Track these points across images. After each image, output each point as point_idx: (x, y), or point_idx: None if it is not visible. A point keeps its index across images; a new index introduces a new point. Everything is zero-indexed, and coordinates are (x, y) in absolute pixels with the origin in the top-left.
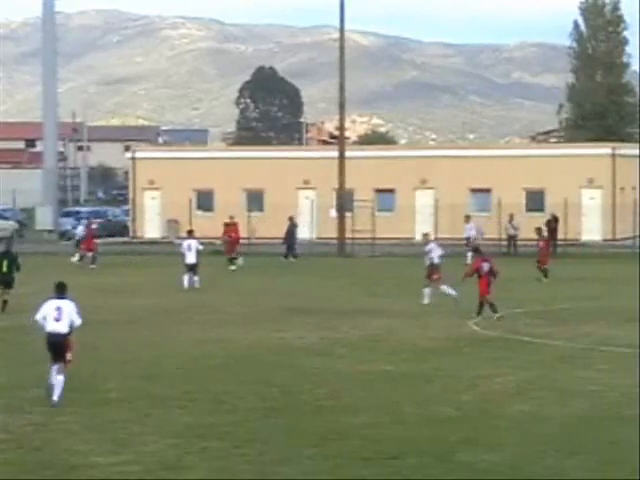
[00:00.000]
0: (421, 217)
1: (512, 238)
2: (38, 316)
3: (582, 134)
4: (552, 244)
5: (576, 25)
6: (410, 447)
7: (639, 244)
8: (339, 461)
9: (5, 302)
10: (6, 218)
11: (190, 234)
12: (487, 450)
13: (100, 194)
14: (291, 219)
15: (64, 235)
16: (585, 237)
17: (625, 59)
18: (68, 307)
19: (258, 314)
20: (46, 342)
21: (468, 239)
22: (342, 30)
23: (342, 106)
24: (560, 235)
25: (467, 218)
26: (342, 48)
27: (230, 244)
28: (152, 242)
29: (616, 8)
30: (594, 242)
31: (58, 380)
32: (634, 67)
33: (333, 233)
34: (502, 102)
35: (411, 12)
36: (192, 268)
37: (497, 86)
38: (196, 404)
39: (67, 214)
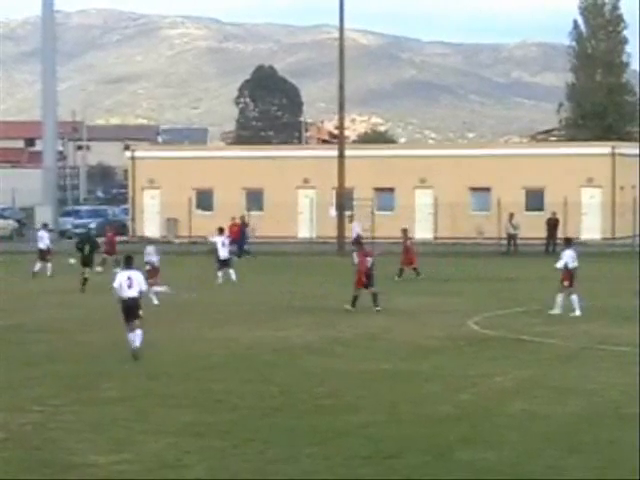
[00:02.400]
0: (421, 216)
1: (512, 237)
2: (115, 284)
3: (582, 133)
4: (552, 243)
5: (576, 24)
6: (409, 446)
7: (639, 243)
8: (338, 460)
9: (86, 280)
10: (6, 217)
11: (221, 232)
12: (486, 449)
13: (99, 193)
14: (242, 218)
15: (64, 234)
16: (585, 236)
17: (625, 58)
18: (136, 275)
19: (257, 313)
20: (122, 306)
21: (357, 238)
22: (341, 29)
23: (342, 105)
24: (560, 234)
25: (351, 217)
26: (341, 47)
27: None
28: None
29: (616, 7)
30: (593, 241)
31: (138, 333)
32: (634, 66)
33: (333, 232)
34: (502, 101)
35: (410, 11)
36: (226, 263)
37: (497, 85)
38: (196, 403)
39: (67, 213)
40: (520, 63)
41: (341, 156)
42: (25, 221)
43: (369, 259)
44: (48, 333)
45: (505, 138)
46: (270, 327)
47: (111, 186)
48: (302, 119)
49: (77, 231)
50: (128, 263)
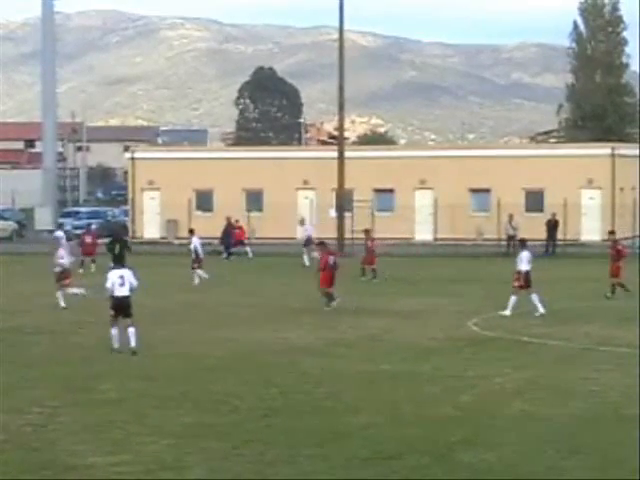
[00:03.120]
0: (420, 217)
1: (511, 238)
2: (108, 284)
3: (582, 134)
4: (552, 244)
5: (575, 25)
6: (409, 447)
7: (639, 244)
8: (338, 461)
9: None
10: (5, 218)
11: (192, 233)
12: (486, 450)
13: (99, 194)
14: (228, 219)
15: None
16: (584, 237)
17: (624, 59)
18: (127, 274)
19: (257, 314)
20: (113, 303)
21: (307, 239)
22: (341, 30)
23: (341, 106)
24: (559, 235)
25: (302, 221)
26: (341, 48)
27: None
28: (151, 242)
29: (615, 9)
30: (593, 242)
31: (131, 331)
32: (633, 67)
33: (332, 233)
34: (501, 102)
35: (410, 12)
36: (200, 263)
37: (496, 86)
38: (195, 404)
39: (66, 214)
40: (520, 64)
41: (341, 157)
42: (25, 222)
43: (331, 258)
44: (47, 335)
45: (505, 139)
46: (270, 328)
47: (111, 187)
48: (302, 120)
49: (78, 232)
50: (119, 262)
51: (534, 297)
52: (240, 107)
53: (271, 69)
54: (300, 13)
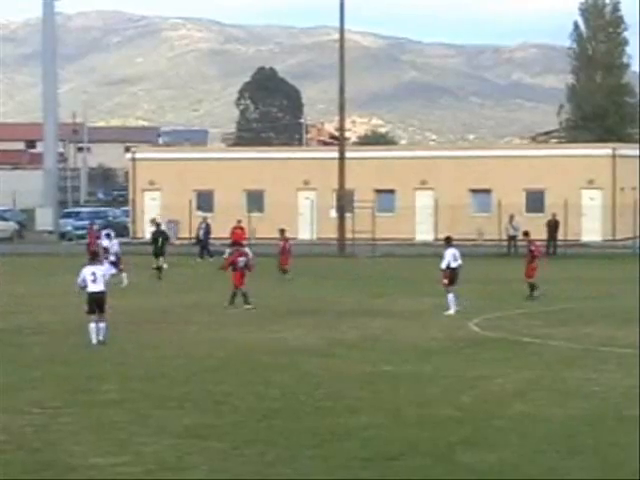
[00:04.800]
0: (421, 218)
1: (512, 238)
2: (79, 280)
3: (582, 135)
4: (552, 244)
5: (576, 26)
6: (410, 448)
7: (639, 244)
8: (338, 462)
9: (160, 268)
10: (6, 219)
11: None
12: (487, 451)
13: (100, 195)
14: (205, 219)
15: (64, 236)
16: (585, 237)
17: (625, 60)
18: (99, 270)
19: (258, 315)
20: (88, 299)
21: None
22: (342, 31)
23: (342, 107)
24: (560, 236)
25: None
26: (342, 49)
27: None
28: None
29: (616, 9)
30: (594, 242)
31: (102, 326)
32: (634, 68)
33: (333, 234)
34: (502, 103)
35: (411, 13)
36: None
37: (497, 87)
38: (196, 405)
39: (67, 215)
40: (520, 65)
41: (341, 158)
42: (26, 223)
43: (242, 259)
44: (47, 335)
45: (506, 140)
46: (270, 329)
47: (112, 188)
48: (303, 121)
49: (79, 232)
50: (93, 259)
51: (450, 296)
52: (241, 107)
53: (272, 69)
54: (301, 13)
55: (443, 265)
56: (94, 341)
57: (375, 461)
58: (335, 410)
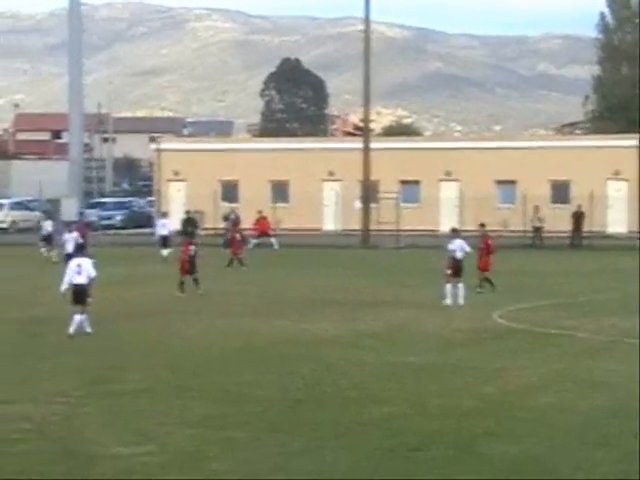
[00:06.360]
0: (446, 209)
1: (537, 230)
2: (67, 272)
3: (608, 126)
4: (578, 236)
5: (602, 16)
6: (434, 439)
7: (639, 238)
8: (362, 452)
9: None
10: (32, 209)
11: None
12: (511, 442)
13: (125, 185)
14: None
15: (89, 226)
16: (611, 229)
17: None
18: (86, 263)
19: (282, 305)
20: (71, 291)
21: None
22: (367, 21)
23: (367, 98)
24: (585, 227)
25: (163, 215)
26: (367, 40)
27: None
28: (177, 233)
29: None
30: (620, 234)
31: (79, 318)
32: None
33: (358, 225)
34: (527, 94)
35: (436, 3)
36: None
37: (522, 78)
38: (218, 394)
39: (92, 205)
40: (546, 55)
41: (366, 149)
42: (51, 213)
43: (192, 247)
44: (67, 325)
45: (531, 131)
46: (294, 319)
47: (137, 178)
48: (327, 111)
49: (104, 223)
50: (79, 251)
51: (448, 286)
52: (266, 98)
53: (297, 60)
54: (326, 4)
55: (459, 255)
56: (71, 331)
57: (399, 451)
58: (359, 400)
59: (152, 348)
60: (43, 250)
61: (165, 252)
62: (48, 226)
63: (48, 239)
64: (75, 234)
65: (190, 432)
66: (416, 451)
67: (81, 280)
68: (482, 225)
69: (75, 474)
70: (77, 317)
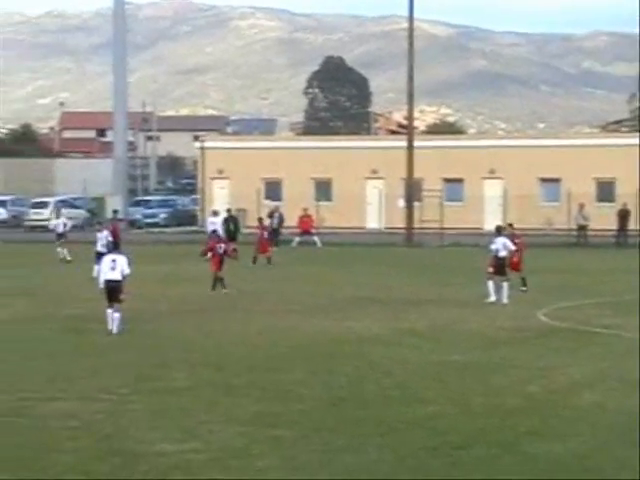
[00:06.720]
0: (490, 207)
1: (582, 228)
2: (101, 268)
3: None
4: (623, 234)
5: None
6: (477, 437)
7: (639, 237)
8: (406, 451)
9: (235, 250)
10: (77, 207)
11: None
12: (555, 441)
13: (169, 183)
14: (277, 209)
15: (134, 224)
16: None
17: None
18: (121, 260)
19: (325, 303)
20: (105, 287)
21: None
22: (411, 19)
23: (411, 96)
24: (631, 225)
25: (214, 213)
26: (411, 38)
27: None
28: (225, 229)
29: None
30: None
31: (116, 317)
32: None
33: (401, 223)
34: (572, 91)
35: (480, 1)
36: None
37: (567, 75)
38: (263, 393)
39: (136, 203)
40: (591, 53)
41: (410, 147)
42: (96, 211)
43: (220, 245)
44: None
45: (575, 128)
46: (337, 318)
47: (181, 176)
48: (371, 110)
49: (148, 221)
50: (115, 247)
51: (490, 284)
52: (309, 97)
53: (340, 58)
54: (370, 2)
55: (502, 253)
56: (109, 327)
57: (442, 450)
58: (402, 399)
59: (195, 346)
60: (59, 250)
61: None
62: (60, 225)
63: (61, 237)
64: (105, 232)
65: (235, 430)
66: (459, 449)
67: (115, 276)
68: (510, 225)
69: (120, 471)
70: (114, 314)
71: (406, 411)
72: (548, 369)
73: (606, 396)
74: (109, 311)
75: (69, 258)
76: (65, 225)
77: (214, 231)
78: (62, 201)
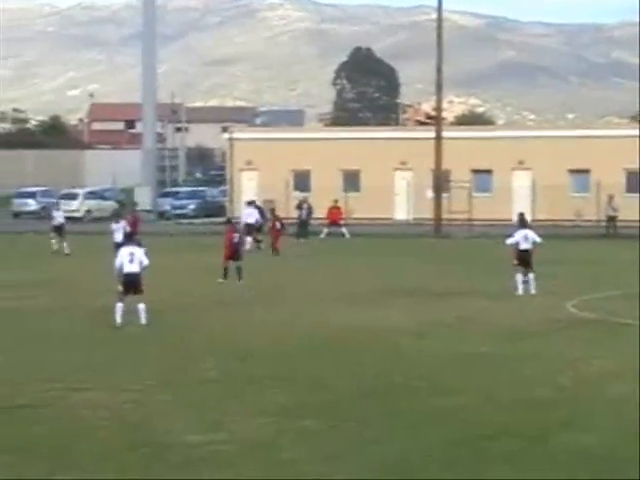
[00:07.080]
0: (519, 198)
1: (612, 219)
2: (117, 261)
3: None
4: None
5: None
6: (506, 429)
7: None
8: (434, 442)
9: (259, 241)
10: (106, 198)
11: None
12: (584, 432)
13: (198, 175)
14: (306, 199)
15: (163, 215)
16: None
17: None
18: (138, 252)
19: (354, 295)
20: (123, 280)
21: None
22: (440, 10)
23: (439, 87)
24: None
25: (248, 204)
26: (440, 28)
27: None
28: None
29: None
30: None
31: (141, 307)
32: None
33: (429, 214)
34: (601, 82)
35: None
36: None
37: (597, 66)
38: (291, 384)
39: (165, 194)
40: (620, 43)
41: (438, 138)
42: (125, 202)
43: (236, 235)
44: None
45: (605, 119)
46: (366, 309)
47: (209, 168)
48: (399, 100)
49: (177, 212)
50: (131, 239)
51: (519, 276)
52: (337, 87)
53: (369, 49)
54: None
55: (508, 241)
56: (118, 321)
57: (471, 441)
58: (430, 390)
59: (221, 337)
60: (53, 242)
61: (250, 240)
62: (59, 217)
63: (59, 230)
64: (123, 223)
65: (263, 421)
66: (488, 441)
67: (133, 269)
68: (521, 215)
69: (148, 461)
70: (138, 305)
71: (434, 403)
72: (577, 360)
73: (636, 388)
74: (119, 305)
75: (67, 251)
76: (62, 218)
77: (251, 222)
78: (91, 192)
